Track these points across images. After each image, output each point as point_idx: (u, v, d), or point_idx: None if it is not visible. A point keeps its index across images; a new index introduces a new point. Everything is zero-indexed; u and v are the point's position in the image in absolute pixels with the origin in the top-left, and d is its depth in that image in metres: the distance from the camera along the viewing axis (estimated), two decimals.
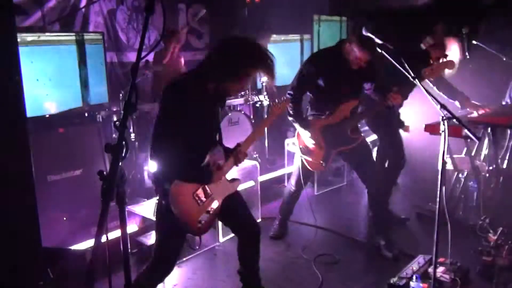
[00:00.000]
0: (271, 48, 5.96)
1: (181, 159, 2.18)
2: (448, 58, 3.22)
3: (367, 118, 3.80)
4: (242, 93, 5.14)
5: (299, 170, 3.54)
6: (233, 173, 3.74)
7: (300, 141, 3.43)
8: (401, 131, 3.89)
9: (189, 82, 2.24)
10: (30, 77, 3.52)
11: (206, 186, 2.30)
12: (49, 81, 3.57)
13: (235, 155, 2.41)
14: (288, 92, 3.34)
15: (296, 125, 3.37)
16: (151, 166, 2.28)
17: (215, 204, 2.35)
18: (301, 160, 3.46)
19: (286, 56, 6.18)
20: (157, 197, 2.31)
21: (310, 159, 3.39)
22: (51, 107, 3.66)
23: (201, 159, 2.28)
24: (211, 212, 2.33)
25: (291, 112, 3.34)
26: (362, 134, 3.44)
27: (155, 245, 2.37)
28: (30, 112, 3.49)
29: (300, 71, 3.35)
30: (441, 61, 3.12)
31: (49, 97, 3.62)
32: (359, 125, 3.52)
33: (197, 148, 2.27)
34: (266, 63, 2.19)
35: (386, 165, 3.86)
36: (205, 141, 2.35)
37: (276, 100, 2.60)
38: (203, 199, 2.29)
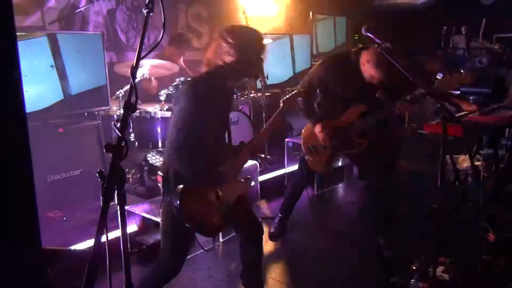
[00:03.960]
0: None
1: (198, 161, 2.15)
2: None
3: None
4: (242, 92, 5.14)
5: (302, 169, 3.53)
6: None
7: (305, 140, 3.39)
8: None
9: (209, 82, 2.22)
10: None
11: (217, 188, 2.28)
12: (25, 77, 3.43)
13: (250, 150, 2.40)
14: (298, 87, 3.32)
15: (309, 119, 3.34)
16: (161, 169, 2.25)
17: (228, 204, 2.32)
18: (305, 159, 3.44)
19: (277, 53, 6.18)
20: (164, 200, 2.26)
21: (313, 160, 3.37)
22: (31, 104, 3.55)
23: (216, 160, 2.28)
24: (224, 212, 2.30)
25: (301, 106, 3.31)
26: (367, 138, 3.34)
27: (163, 247, 2.34)
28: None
29: (311, 74, 3.32)
30: (456, 74, 3.03)
31: (28, 94, 3.43)
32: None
33: (213, 149, 2.26)
34: (264, 48, 2.27)
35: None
36: (219, 141, 2.34)
37: (287, 94, 2.56)
38: (215, 201, 2.26)
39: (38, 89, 3.58)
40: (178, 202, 2.12)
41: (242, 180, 2.43)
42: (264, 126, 2.52)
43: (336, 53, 3.46)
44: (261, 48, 2.25)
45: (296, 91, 2.60)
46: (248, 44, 2.20)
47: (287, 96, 2.54)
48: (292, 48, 6.36)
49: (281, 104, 2.53)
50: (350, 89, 3.20)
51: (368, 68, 3.08)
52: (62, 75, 3.69)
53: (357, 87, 3.18)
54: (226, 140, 2.43)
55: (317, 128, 3.26)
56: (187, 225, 2.16)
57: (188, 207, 2.15)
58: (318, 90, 3.36)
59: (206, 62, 2.27)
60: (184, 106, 2.13)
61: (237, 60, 2.17)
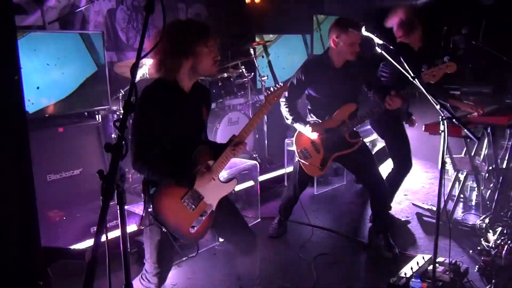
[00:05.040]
0: (274, 44, 6.00)
1: (162, 163, 2.13)
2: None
3: (369, 120, 3.77)
4: (242, 92, 5.14)
5: (297, 174, 3.53)
6: (233, 172, 3.75)
7: (298, 145, 3.37)
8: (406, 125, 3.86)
9: (161, 83, 2.19)
10: (39, 64, 3.55)
11: (195, 189, 2.21)
12: (58, 59, 3.66)
13: (232, 148, 2.29)
14: (281, 100, 3.33)
15: (296, 125, 3.32)
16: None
17: (209, 207, 2.26)
18: (299, 164, 3.42)
19: (289, 47, 6.18)
20: (145, 208, 2.23)
21: (307, 163, 3.35)
22: (71, 83, 3.79)
23: (183, 161, 2.21)
24: (205, 216, 2.24)
25: (288, 116, 3.32)
26: (361, 138, 3.38)
27: (146, 257, 2.29)
28: (57, 96, 3.67)
29: (292, 80, 3.36)
30: (441, 64, 3.05)
31: (66, 75, 3.71)
32: (358, 129, 3.48)
33: (177, 150, 2.21)
34: (206, 31, 2.15)
35: (392, 168, 3.83)
36: (186, 142, 2.26)
37: (271, 89, 2.51)
38: (195, 202, 2.20)
39: (73, 68, 3.76)
40: (151, 206, 2.11)
41: (225, 181, 2.35)
42: (247, 122, 2.41)
43: (311, 56, 3.54)
44: (192, 37, 2.10)
45: (279, 86, 2.51)
46: (178, 37, 2.09)
47: (271, 92, 2.47)
48: (304, 40, 6.38)
49: (265, 101, 2.44)
50: (331, 83, 3.22)
51: (341, 41, 3.11)
52: (91, 48, 3.84)
53: (337, 79, 3.21)
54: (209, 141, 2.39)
55: (308, 129, 3.24)
56: (164, 230, 2.13)
57: (163, 210, 2.12)
58: (306, 97, 3.38)
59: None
60: (135, 114, 2.10)
61: (173, 56, 2.10)
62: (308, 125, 3.24)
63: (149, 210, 2.13)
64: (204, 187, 2.24)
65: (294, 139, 3.42)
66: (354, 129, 3.34)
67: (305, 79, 3.27)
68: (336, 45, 3.16)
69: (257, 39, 5.64)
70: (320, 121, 3.34)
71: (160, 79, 2.20)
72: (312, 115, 3.42)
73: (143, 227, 2.26)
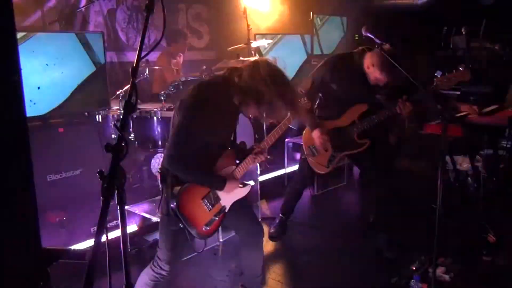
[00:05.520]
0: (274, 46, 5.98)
1: (197, 165, 2.18)
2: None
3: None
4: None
5: (303, 170, 3.53)
6: None
7: (306, 142, 3.40)
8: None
9: (217, 88, 2.23)
10: (39, 65, 3.57)
11: (216, 191, 2.30)
12: (56, 59, 3.68)
13: (254, 156, 2.40)
14: (301, 90, 3.29)
15: (307, 123, 3.32)
16: (161, 166, 2.28)
17: (223, 209, 2.34)
18: (306, 160, 3.44)
19: (288, 48, 6.18)
20: (162, 197, 2.27)
21: (314, 161, 3.37)
22: (71, 83, 3.81)
23: (212, 161, 2.29)
24: (219, 216, 2.33)
25: None
26: (370, 139, 3.34)
27: (159, 244, 2.34)
28: (58, 96, 3.69)
29: (315, 73, 3.32)
30: (455, 71, 3.00)
31: (65, 75, 3.73)
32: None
33: (213, 153, 2.28)
34: (286, 96, 2.16)
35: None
36: (220, 145, 2.35)
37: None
38: (213, 203, 2.29)
39: (72, 68, 3.77)
40: (175, 204, 2.16)
41: (241, 186, 2.43)
42: (271, 133, 2.51)
43: (340, 54, 3.42)
44: (276, 90, 2.13)
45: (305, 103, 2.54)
46: (272, 81, 2.11)
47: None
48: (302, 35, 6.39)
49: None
50: (355, 89, 3.19)
51: (373, 72, 3.07)
52: (88, 48, 3.84)
53: (361, 88, 3.18)
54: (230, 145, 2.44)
55: (316, 133, 3.24)
56: (181, 225, 2.19)
57: (184, 208, 2.17)
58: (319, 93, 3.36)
59: (227, 69, 2.26)
60: (183, 115, 2.13)
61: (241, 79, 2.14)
62: (316, 130, 3.23)
63: (172, 206, 2.18)
64: (224, 190, 2.31)
65: (303, 135, 3.44)
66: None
67: (330, 77, 3.20)
68: (369, 68, 3.11)
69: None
70: (329, 117, 3.32)
71: (219, 83, 2.25)
72: (322, 109, 3.35)
73: (161, 215, 2.32)
